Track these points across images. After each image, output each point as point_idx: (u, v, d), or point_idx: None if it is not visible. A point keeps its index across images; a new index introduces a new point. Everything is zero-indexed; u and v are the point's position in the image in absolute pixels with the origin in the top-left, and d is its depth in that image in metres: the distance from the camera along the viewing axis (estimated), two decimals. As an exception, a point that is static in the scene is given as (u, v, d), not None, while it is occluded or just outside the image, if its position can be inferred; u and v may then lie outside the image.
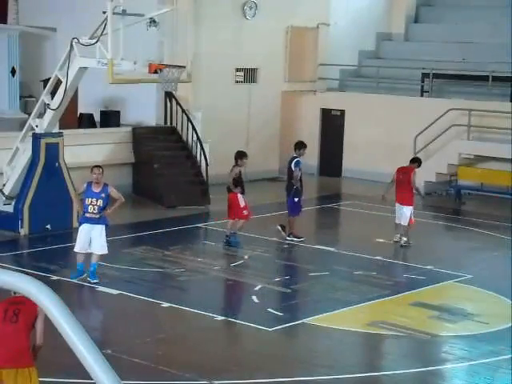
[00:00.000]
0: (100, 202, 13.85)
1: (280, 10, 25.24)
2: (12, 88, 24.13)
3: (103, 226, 13.95)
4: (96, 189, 13.91)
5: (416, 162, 18.13)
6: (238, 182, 17.14)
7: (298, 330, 12.44)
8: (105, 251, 13.99)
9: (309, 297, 13.97)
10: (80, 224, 14.17)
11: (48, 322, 3.42)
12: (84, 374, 3.41)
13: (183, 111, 22.77)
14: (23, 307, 7.67)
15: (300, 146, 17.81)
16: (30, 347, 7.81)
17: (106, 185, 14.03)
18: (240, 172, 17.27)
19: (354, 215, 21.25)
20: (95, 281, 13.92)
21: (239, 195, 17.06)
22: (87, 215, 13.90)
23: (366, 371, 11.06)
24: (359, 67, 28.67)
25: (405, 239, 17.27)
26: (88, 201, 13.87)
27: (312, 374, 10.52)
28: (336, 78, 27.91)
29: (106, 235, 14.03)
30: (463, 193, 23.39)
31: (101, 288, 13.78)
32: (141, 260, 15.79)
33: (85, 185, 14.15)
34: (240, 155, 17.31)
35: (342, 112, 26.66)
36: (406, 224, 17.22)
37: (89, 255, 14.03)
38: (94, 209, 13.86)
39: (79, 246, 14.00)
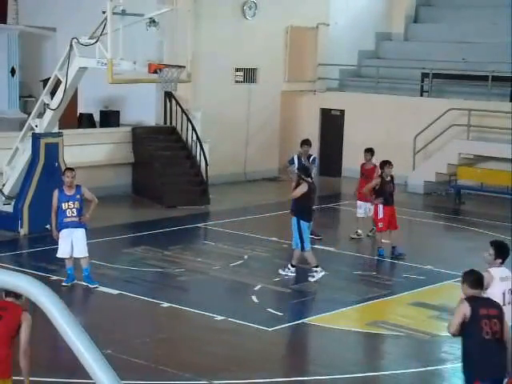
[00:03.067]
0: (77, 204, 13.51)
1: (280, 10, 25.25)
2: (12, 88, 24.12)
3: (83, 230, 13.67)
4: (69, 191, 13.54)
5: (370, 151, 18.54)
6: (381, 193, 16.61)
7: (297, 330, 12.43)
8: (86, 254, 13.69)
9: (309, 297, 13.97)
10: (59, 230, 13.63)
11: (48, 322, 3.41)
12: (84, 374, 3.41)
13: (183, 111, 22.76)
14: (6, 314, 7.28)
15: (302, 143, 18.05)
16: (11, 356, 7.34)
17: (78, 186, 13.65)
18: (384, 181, 16.55)
19: (353, 215, 21.22)
20: (95, 285, 13.75)
21: (380, 206, 16.57)
22: (66, 220, 13.50)
23: (365, 371, 11.06)
24: (359, 67, 28.67)
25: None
26: (64, 205, 13.48)
27: (312, 374, 10.52)
28: (336, 78, 27.91)
29: (88, 238, 13.77)
30: (463, 193, 23.38)
31: (101, 288, 13.76)
32: (141, 260, 15.79)
33: (55, 192, 13.67)
34: (385, 163, 16.76)
35: (342, 112, 26.66)
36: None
37: (78, 259, 13.78)
38: (72, 212, 13.48)
39: (61, 252, 13.65)
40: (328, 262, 16.31)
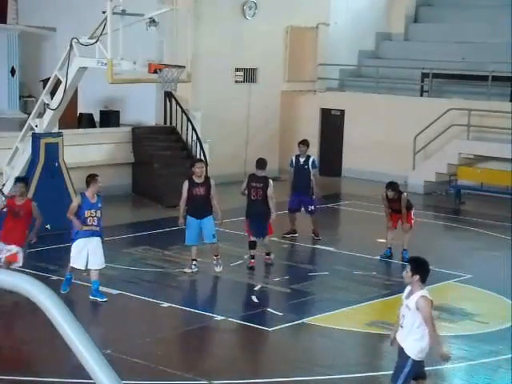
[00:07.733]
0: (99, 213, 12.96)
1: (280, 10, 25.25)
2: (12, 88, 24.14)
3: (99, 239, 13.11)
4: (93, 199, 12.98)
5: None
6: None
7: (297, 330, 12.42)
8: (103, 265, 13.18)
9: (309, 297, 13.95)
10: (73, 240, 13.02)
11: (48, 322, 3.41)
12: (84, 374, 3.41)
13: (183, 111, 22.77)
14: None
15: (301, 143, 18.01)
16: None
17: (98, 194, 13.12)
18: (389, 199, 16.01)
19: (353, 215, 21.25)
20: (105, 299, 13.08)
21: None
22: (86, 228, 12.91)
23: (365, 371, 11.05)
24: (359, 67, 28.67)
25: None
26: (87, 213, 12.88)
27: (312, 374, 10.51)
28: (336, 78, 27.91)
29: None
30: (463, 193, 23.37)
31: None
32: (141, 260, 15.78)
33: (79, 197, 13.14)
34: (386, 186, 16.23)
35: (342, 112, 26.66)
36: None
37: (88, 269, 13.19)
38: (93, 221, 12.94)
39: (79, 263, 12.98)
40: (328, 262, 16.31)
